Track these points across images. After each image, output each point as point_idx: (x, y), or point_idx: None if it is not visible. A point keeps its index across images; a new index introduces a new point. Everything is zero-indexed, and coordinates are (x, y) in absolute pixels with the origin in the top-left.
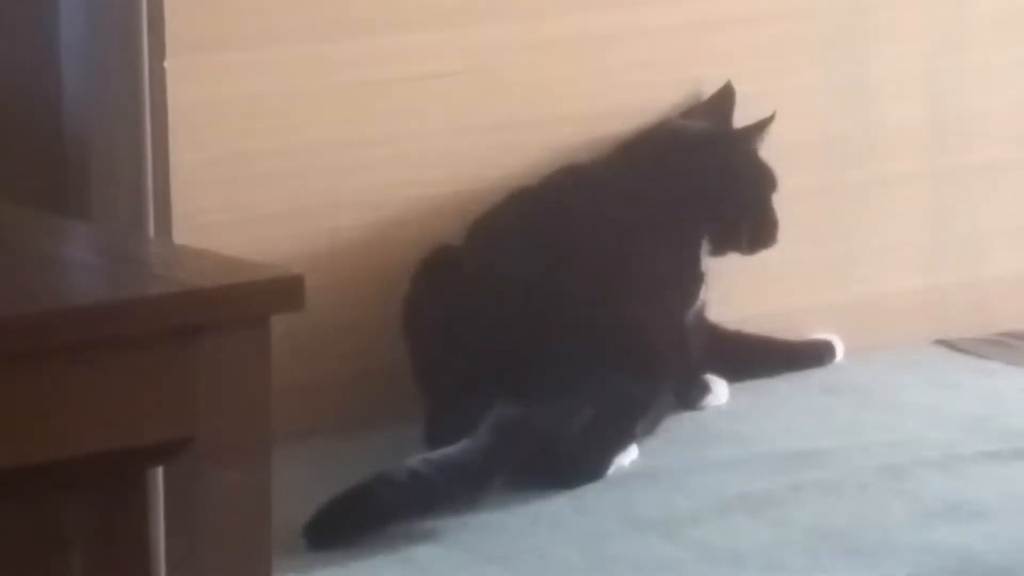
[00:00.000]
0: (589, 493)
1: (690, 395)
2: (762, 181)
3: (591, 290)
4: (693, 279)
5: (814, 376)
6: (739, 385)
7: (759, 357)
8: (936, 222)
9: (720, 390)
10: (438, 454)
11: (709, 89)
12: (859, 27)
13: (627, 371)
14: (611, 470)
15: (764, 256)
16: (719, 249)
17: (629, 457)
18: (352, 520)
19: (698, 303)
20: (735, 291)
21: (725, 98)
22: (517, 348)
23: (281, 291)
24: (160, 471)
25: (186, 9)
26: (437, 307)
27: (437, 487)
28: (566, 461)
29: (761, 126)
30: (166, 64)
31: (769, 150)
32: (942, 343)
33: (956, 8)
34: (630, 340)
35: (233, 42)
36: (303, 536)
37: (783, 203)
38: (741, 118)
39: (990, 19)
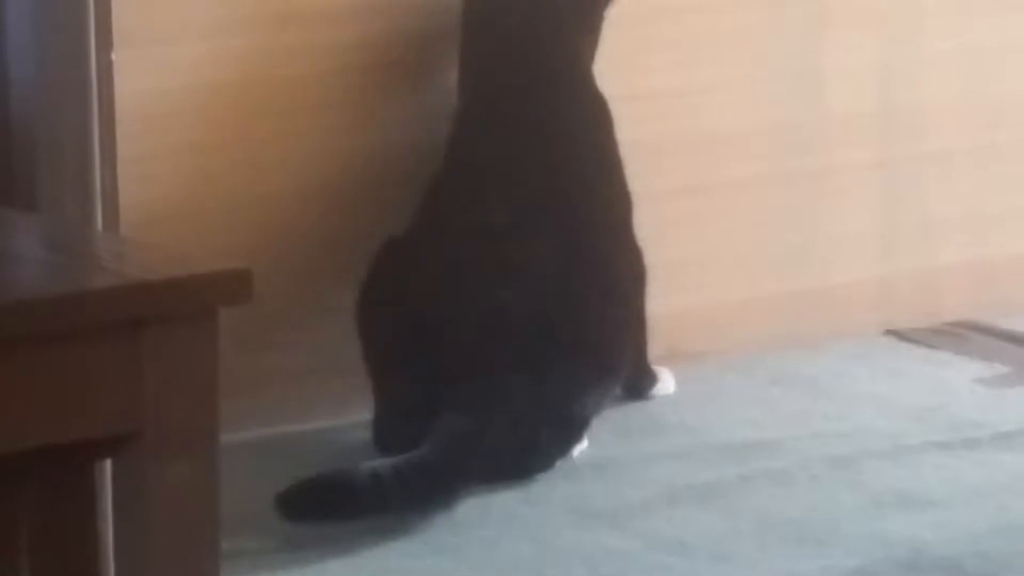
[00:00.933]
0: (538, 484)
1: (639, 384)
2: None
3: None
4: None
5: (763, 366)
6: (687, 374)
7: None
8: (886, 211)
9: (667, 379)
10: (399, 460)
11: (659, 79)
12: (811, 15)
13: (581, 366)
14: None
15: (714, 244)
16: None
17: (579, 447)
18: (325, 502)
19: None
20: (683, 279)
21: None
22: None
23: (228, 284)
24: (108, 464)
25: (133, 0)
26: (388, 305)
27: (397, 493)
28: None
29: None
30: (113, 56)
31: (720, 138)
32: (891, 333)
33: None
34: (589, 335)
35: (181, 33)
36: (275, 503)
37: (733, 191)
38: (693, 105)
39: (941, 7)
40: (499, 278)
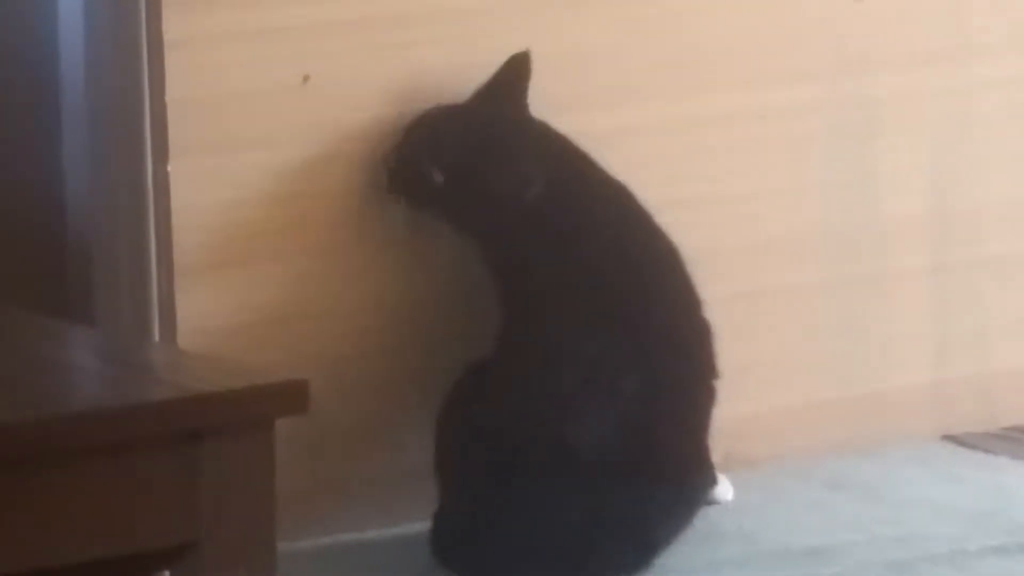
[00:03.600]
0: None
1: None
2: None
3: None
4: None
5: (819, 471)
6: (744, 480)
7: None
8: (942, 316)
9: (726, 485)
10: None
11: (713, 185)
12: (864, 121)
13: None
14: None
15: (769, 350)
16: None
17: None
18: None
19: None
20: (738, 386)
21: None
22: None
23: (285, 395)
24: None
25: (188, 112)
26: (466, 423)
27: None
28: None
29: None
30: (169, 167)
31: (774, 244)
32: (948, 438)
33: (962, 101)
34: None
35: (236, 144)
36: None
37: (788, 296)
38: (747, 211)
39: (995, 112)
40: (576, 406)
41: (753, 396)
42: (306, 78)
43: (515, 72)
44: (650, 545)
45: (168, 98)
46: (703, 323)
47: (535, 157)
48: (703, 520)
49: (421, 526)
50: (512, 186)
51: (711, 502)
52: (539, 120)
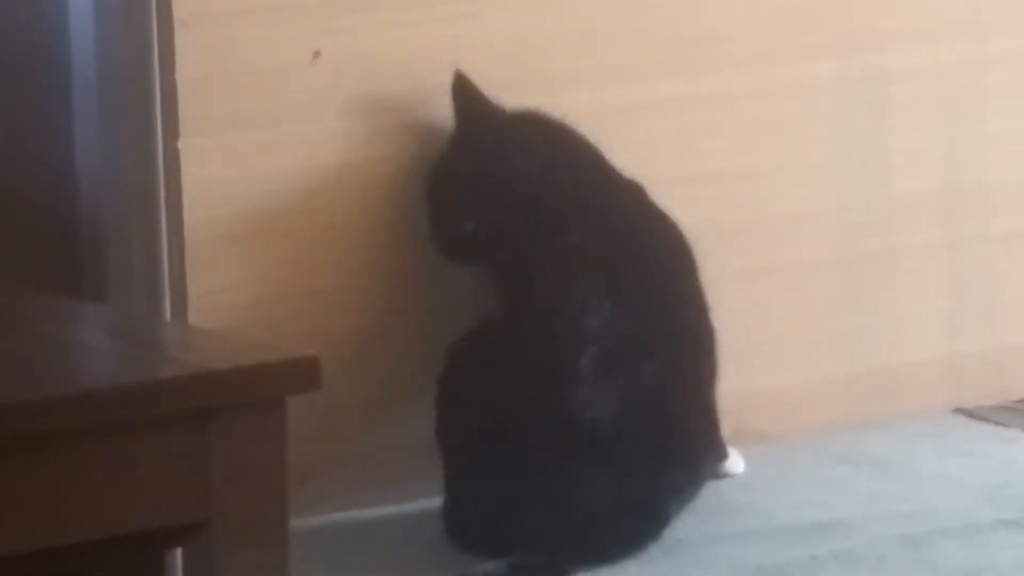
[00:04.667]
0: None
1: None
2: None
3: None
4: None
5: (832, 446)
6: (756, 455)
7: None
8: (954, 291)
9: (737, 458)
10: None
11: (725, 162)
12: (875, 97)
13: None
14: None
15: (781, 326)
16: None
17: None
18: None
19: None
20: (751, 361)
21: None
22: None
23: (296, 372)
24: (178, 552)
25: (199, 88)
26: (467, 397)
27: None
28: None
29: None
30: (180, 144)
31: (786, 220)
32: (960, 411)
33: (972, 78)
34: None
35: (247, 121)
36: None
37: (800, 273)
38: (759, 187)
39: (1006, 87)
40: (583, 377)
41: (765, 371)
42: (316, 54)
43: (465, 91)
44: (663, 519)
45: (178, 76)
46: (710, 325)
47: (546, 163)
48: (715, 494)
49: (433, 502)
50: (546, 221)
51: (722, 475)
52: (533, 115)
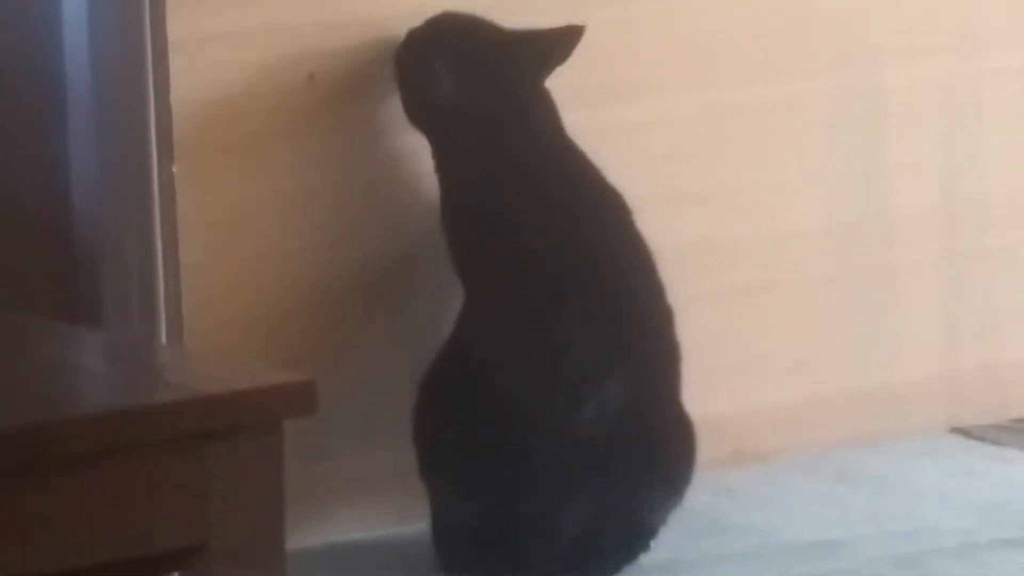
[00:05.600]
0: None
1: None
2: None
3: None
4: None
5: (829, 464)
6: (753, 473)
7: None
8: (952, 308)
9: None
10: None
11: (722, 178)
12: (872, 112)
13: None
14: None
15: (779, 343)
16: None
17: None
18: None
19: None
20: (748, 379)
21: None
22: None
23: (293, 396)
24: None
25: (194, 112)
26: (445, 418)
27: None
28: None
29: None
30: (175, 167)
31: (783, 237)
32: (957, 430)
33: (969, 93)
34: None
35: (241, 143)
36: None
37: (798, 289)
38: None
39: (1004, 102)
40: (563, 389)
41: (763, 389)
42: (311, 77)
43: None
44: (648, 532)
45: (173, 98)
46: (668, 308)
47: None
48: (712, 514)
49: (428, 525)
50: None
51: None
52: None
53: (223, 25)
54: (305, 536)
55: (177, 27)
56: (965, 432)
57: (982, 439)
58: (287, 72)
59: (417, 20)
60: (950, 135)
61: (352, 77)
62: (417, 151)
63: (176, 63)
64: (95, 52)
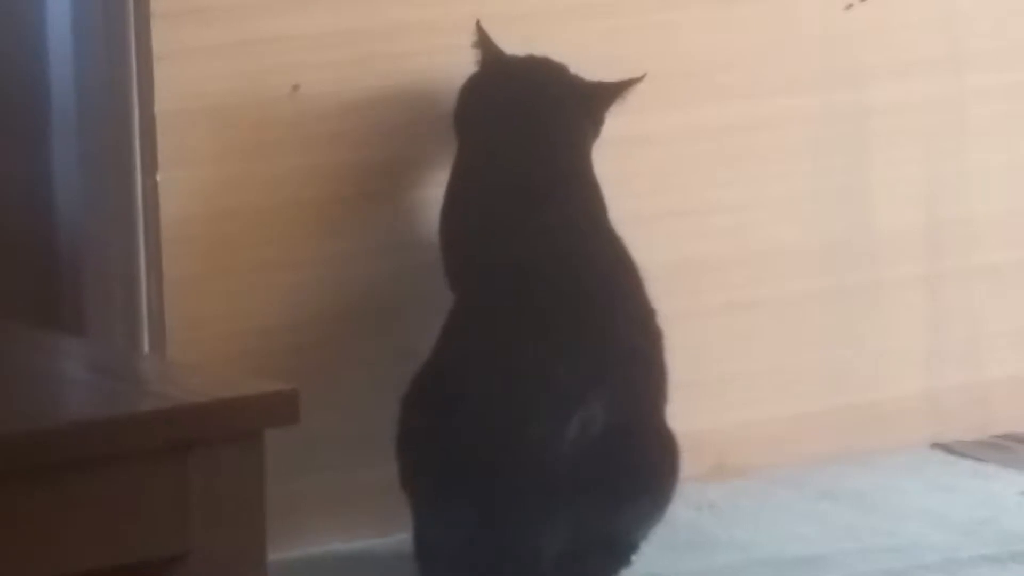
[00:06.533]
0: None
1: None
2: None
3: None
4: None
5: (812, 480)
6: (736, 489)
7: None
8: (935, 326)
9: None
10: None
11: (707, 196)
12: (856, 131)
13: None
14: None
15: (762, 360)
16: None
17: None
18: None
19: None
20: (731, 395)
21: None
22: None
23: (274, 406)
24: None
25: (177, 122)
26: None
27: None
28: None
29: None
30: (158, 177)
31: (767, 254)
32: (939, 446)
33: (953, 112)
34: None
35: (225, 154)
36: None
37: (781, 306)
38: (741, 221)
39: (987, 121)
40: (540, 405)
41: (746, 405)
42: (295, 88)
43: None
44: (630, 546)
45: (157, 109)
46: (657, 331)
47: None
48: (695, 529)
49: (409, 537)
50: None
51: None
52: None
53: (207, 36)
54: (286, 547)
55: (161, 38)
56: (947, 448)
57: (964, 455)
58: (271, 83)
59: (400, 32)
60: (934, 153)
61: (337, 89)
62: (402, 164)
63: (160, 74)
64: (79, 63)
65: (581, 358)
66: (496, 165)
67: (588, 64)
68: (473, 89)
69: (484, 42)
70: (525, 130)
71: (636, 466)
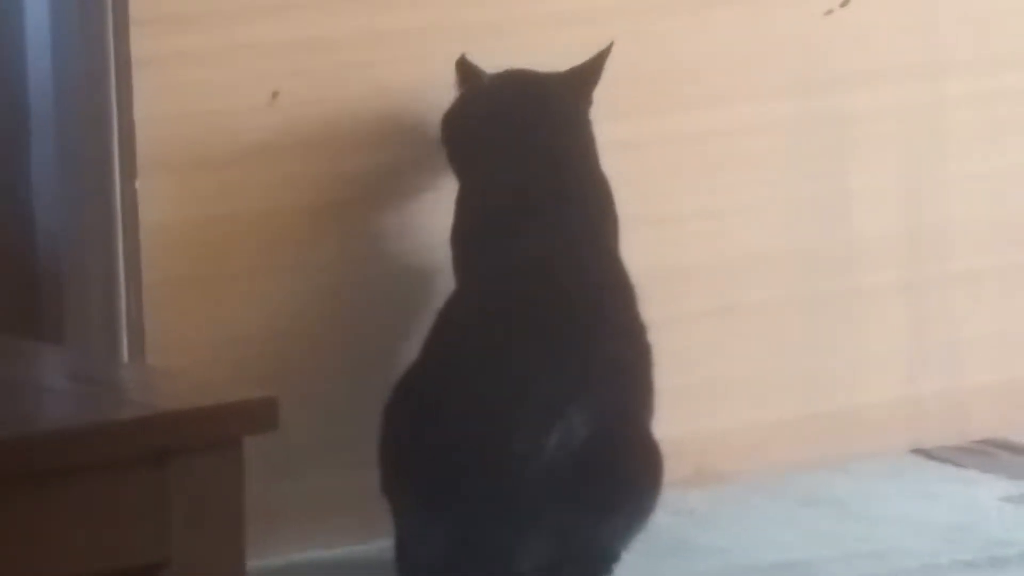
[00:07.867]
0: None
1: None
2: None
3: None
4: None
5: (792, 487)
6: (715, 496)
7: None
8: (914, 332)
9: None
10: None
11: (685, 202)
12: (835, 137)
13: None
14: None
15: (742, 366)
16: None
17: None
18: None
19: None
20: (710, 401)
21: None
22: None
23: (254, 413)
24: None
25: (156, 129)
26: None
27: None
28: None
29: None
30: (137, 184)
31: (747, 261)
32: (919, 452)
33: (932, 119)
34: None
35: (204, 161)
36: None
37: (760, 313)
38: (720, 228)
39: (966, 128)
40: (521, 416)
41: (725, 412)
42: (275, 95)
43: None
44: (611, 555)
45: (136, 116)
46: (645, 346)
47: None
48: (674, 535)
49: (391, 544)
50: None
51: None
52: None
53: (186, 42)
54: (265, 553)
55: (140, 44)
56: (927, 454)
57: (944, 461)
58: (251, 90)
59: (379, 40)
60: (912, 160)
61: (316, 96)
62: (381, 172)
63: (139, 80)
64: (58, 69)
65: (563, 369)
66: (498, 181)
67: None
68: (463, 113)
69: (467, 74)
70: (529, 142)
71: (617, 478)
